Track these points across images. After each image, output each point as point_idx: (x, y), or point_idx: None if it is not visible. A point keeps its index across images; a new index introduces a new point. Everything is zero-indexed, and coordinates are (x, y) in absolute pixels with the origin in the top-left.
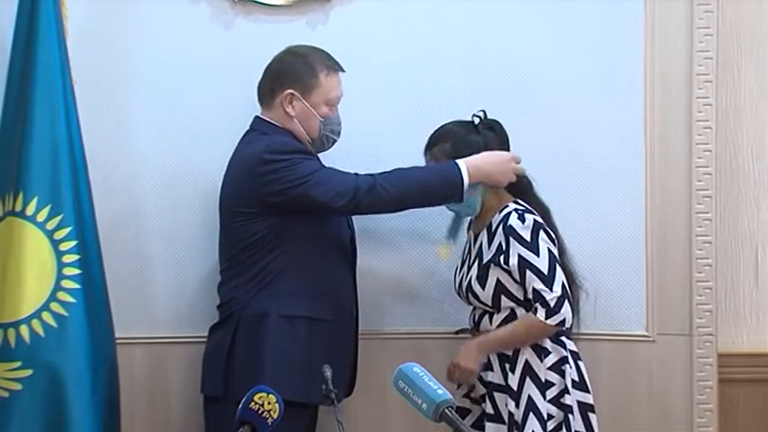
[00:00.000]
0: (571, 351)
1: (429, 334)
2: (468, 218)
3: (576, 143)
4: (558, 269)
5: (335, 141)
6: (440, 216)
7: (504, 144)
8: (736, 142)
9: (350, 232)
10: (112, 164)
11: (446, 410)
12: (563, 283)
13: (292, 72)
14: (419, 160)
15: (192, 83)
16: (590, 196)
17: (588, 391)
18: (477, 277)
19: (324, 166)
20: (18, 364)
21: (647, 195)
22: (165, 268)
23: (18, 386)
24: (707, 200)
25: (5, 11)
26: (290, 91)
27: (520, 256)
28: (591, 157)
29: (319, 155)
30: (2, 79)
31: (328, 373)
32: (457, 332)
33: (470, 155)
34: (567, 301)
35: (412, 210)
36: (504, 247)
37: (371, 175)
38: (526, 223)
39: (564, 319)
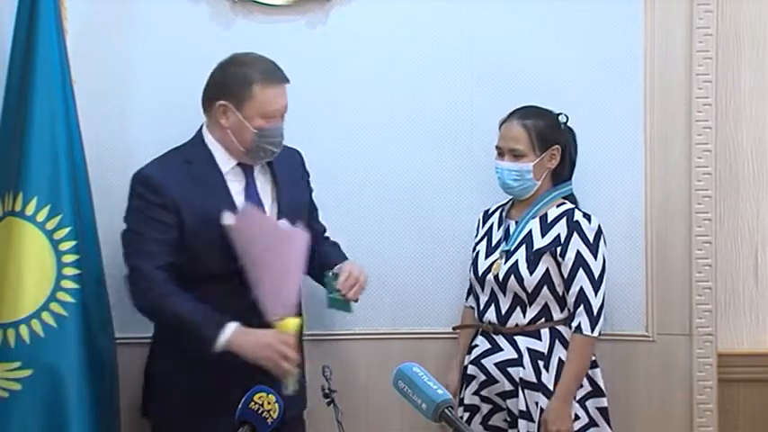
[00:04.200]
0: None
1: (429, 334)
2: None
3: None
4: (605, 280)
5: (274, 153)
6: (440, 214)
7: (574, 154)
8: (736, 142)
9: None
10: (112, 164)
11: (446, 410)
12: (604, 295)
13: (227, 83)
14: (418, 159)
15: (191, 83)
16: (590, 196)
17: (605, 395)
18: (527, 262)
19: (148, 223)
20: (18, 364)
21: (647, 195)
22: None
23: (18, 386)
24: (707, 200)
25: (5, 11)
26: (223, 102)
27: (578, 252)
28: (590, 157)
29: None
30: (2, 79)
31: (328, 372)
32: (455, 328)
33: (553, 146)
34: (603, 311)
35: (414, 209)
36: (562, 239)
37: (160, 269)
38: (592, 224)
39: (601, 330)
